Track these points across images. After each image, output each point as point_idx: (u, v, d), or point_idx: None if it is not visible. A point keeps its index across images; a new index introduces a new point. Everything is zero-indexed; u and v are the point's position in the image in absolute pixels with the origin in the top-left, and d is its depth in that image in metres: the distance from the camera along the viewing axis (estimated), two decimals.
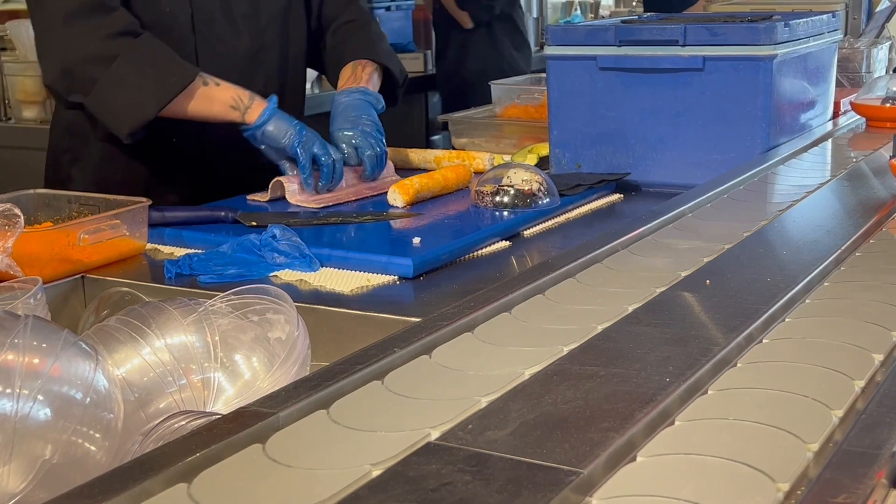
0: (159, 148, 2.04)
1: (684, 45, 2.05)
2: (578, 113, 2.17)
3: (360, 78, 2.18)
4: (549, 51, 2.18)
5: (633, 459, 0.80)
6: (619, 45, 2.10)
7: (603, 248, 1.35)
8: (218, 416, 0.87)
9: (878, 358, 0.98)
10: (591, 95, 2.15)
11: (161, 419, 0.95)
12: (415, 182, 1.94)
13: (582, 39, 2.15)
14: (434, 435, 0.83)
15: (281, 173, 2.01)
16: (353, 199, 2.00)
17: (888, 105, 2.42)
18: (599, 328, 1.07)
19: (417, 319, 1.19)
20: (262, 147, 1.99)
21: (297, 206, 1.94)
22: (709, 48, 2.04)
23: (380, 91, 2.21)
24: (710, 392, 0.92)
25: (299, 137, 1.94)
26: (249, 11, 2.10)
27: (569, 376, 0.94)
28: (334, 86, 2.25)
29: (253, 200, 1.99)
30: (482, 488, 0.74)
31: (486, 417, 0.86)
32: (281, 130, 1.96)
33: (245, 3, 2.09)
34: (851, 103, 2.45)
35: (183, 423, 0.93)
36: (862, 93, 2.51)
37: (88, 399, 0.91)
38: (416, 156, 2.27)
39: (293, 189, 1.97)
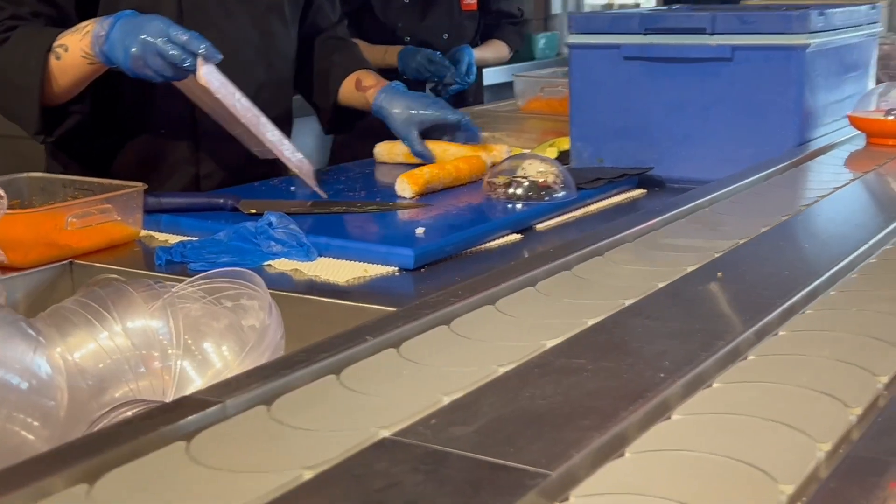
0: (151, 139, 1.98)
1: (713, 34, 1.95)
2: (601, 105, 2.08)
3: (383, 81, 2.14)
4: (572, 39, 2.09)
5: (618, 457, 0.71)
6: (645, 34, 2.01)
7: (608, 240, 1.26)
8: (159, 405, 0.80)
9: None
10: (614, 86, 2.06)
11: (109, 408, 0.87)
12: (424, 172, 1.86)
13: (606, 27, 2.05)
14: (390, 431, 0.74)
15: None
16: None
17: (892, 118, 2.00)
18: (591, 321, 0.97)
19: None
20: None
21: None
22: (738, 37, 1.94)
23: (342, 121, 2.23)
24: (707, 390, 0.82)
25: (125, 49, 1.70)
26: None
27: (552, 370, 0.85)
28: (307, 96, 2.23)
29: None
30: (434, 490, 0.65)
31: (453, 412, 0.77)
32: (117, 49, 1.71)
33: None
34: (849, 117, 2.05)
35: (130, 412, 0.85)
36: (863, 104, 2.11)
37: (26, 384, 0.84)
38: (433, 148, 2.18)
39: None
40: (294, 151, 1.87)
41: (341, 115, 2.23)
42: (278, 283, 1.44)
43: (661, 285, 1.09)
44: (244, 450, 0.73)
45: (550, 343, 0.92)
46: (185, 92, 1.85)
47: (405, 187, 1.83)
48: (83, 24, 1.77)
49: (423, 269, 1.49)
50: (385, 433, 0.74)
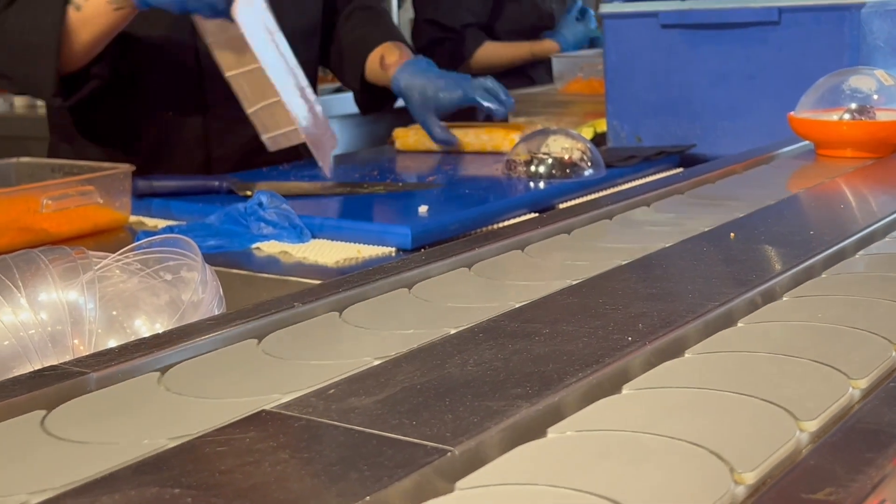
0: (159, 124, 1.87)
1: None
2: (638, 79, 1.92)
3: (407, 54, 1.97)
4: (606, 8, 1.94)
5: (542, 436, 0.56)
6: None
7: (610, 206, 1.11)
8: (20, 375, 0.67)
9: None
10: (652, 58, 1.90)
11: None
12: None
13: None
14: (275, 402, 0.61)
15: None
16: None
17: (847, 119, 1.44)
18: (566, 283, 0.83)
19: None
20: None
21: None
22: None
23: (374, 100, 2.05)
24: (677, 360, 0.67)
25: None
26: None
27: (498, 334, 0.71)
28: (339, 75, 2.07)
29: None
30: (296, 470, 0.52)
31: (360, 381, 0.63)
32: None
33: None
34: (790, 118, 1.50)
35: None
36: (808, 101, 1.51)
37: None
38: (457, 132, 1.99)
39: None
40: (316, 122, 1.74)
41: (373, 94, 2.07)
42: (265, 267, 1.33)
43: (660, 246, 0.93)
44: (104, 422, 0.60)
45: (512, 306, 0.77)
46: (209, 43, 1.70)
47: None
48: None
49: (423, 251, 1.35)
50: (268, 405, 0.60)
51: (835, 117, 1.45)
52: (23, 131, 3.26)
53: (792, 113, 1.51)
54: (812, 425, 0.55)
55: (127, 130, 1.87)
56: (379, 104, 2.12)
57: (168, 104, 1.86)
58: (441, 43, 2.88)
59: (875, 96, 1.46)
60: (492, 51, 2.94)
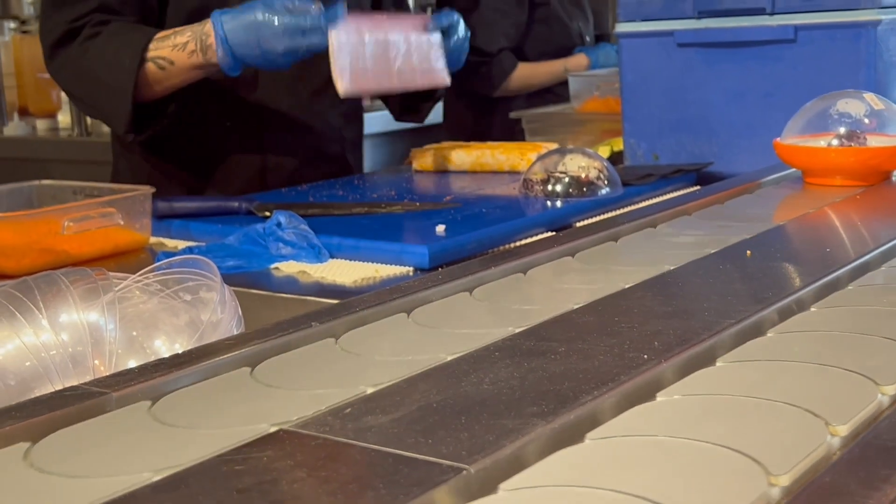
0: (215, 133, 1.89)
1: (773, 14, 1.79)
2: (655, 97, 1.93)
3: None
4: (621, 27, 1.94)
5: (563, 448, 0.57)
6: (699, 17, 1.85)
7: (627, 224, 1.11)
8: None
9: None
10: (668, 77, 1.91)
11: None
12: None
13: (657, 12, 1.90)
14: (292, 422, 0.61)
15: None
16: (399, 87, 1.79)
17: (835, 145, 1.37)
18: (581, 302, 0.83)
19: None
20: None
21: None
22: (801, 16, 1.77)
23: (410, 103, 2.03)
24: (695, 376, 0.67)
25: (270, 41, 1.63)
26: None
27: (514, 352, 0.71)
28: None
29: None
30: (313, 488, 0.52)
31: (376, 400, 0.64)
32: (249, 43, 1.63)
33: None
34: (776, 144, 1.43)
35: None
36: (795, 126, 1.45)
37: None
38: (482, 153, 2.00)
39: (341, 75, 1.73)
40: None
41: (407, 100, 2.05)
42: (284, 287, 1.33)
43: (676, 264, 0.94)
44: (116, 447, 0.60)
45: (524, 327, 0.78)
46: None
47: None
48: (179, 38, 1.68)
49: (440, 270, 1.36)
50: (286, 424, 0.60)
51: (823, 143, 1.39)
52: (44, 154, 3.29)
53: (778, 139, 1.45)
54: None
55: (184, 141, 1.89)
56: (415, 110, 2.08)
57: (223, 115, 1.88)
58: (478, 67, 2.91)
59: (866, 120, 1.40)
60: (529, 71, 2.97)
